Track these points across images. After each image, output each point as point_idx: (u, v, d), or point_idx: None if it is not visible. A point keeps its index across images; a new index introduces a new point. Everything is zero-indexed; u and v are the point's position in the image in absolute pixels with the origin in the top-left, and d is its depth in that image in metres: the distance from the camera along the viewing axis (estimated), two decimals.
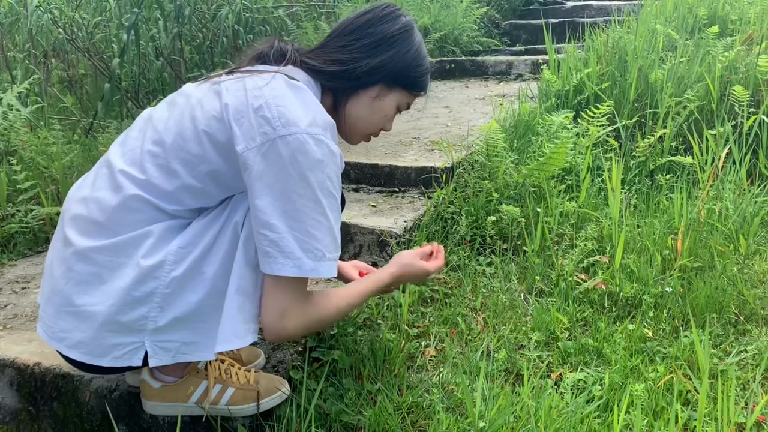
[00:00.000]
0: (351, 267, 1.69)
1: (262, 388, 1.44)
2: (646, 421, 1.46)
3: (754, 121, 2.78)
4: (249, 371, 1.47)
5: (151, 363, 1.26)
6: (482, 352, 1.75)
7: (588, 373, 1.65)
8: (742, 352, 1.73)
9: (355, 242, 2.22)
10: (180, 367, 1.40)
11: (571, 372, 1.68)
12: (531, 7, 6.46)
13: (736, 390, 1.55)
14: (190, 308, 1.25)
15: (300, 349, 1.66)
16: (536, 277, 2.09)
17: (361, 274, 1.67)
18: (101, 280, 1.24)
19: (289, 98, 1.27)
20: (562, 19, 5.59)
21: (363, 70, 1.41)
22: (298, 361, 1.62)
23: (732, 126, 2.81)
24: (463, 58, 5.06)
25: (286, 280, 1.25)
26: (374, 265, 2.19)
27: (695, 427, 1.42)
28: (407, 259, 1.53)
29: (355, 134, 1.50)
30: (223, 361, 1.47)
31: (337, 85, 1.42)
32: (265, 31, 5.47)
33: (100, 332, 1.24)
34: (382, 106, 1.47)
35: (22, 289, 2.13)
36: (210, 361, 1.43)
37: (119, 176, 1.28)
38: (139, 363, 1.26)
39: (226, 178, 1.28)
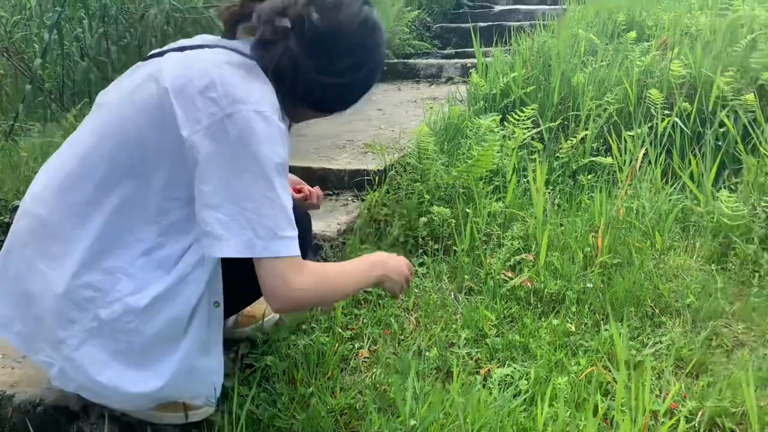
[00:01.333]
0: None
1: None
2: (568, 412, 1.53)
3: (668, 123, 2.94)
4: None
5: None
6: (414, 352, 1.79)
7: (515, 368, 1.72)
8: (657, 343, 1.84)
9: None
10: None
11: (498, 367, 1.74)
12: (461, 11, 6.59)
13: (651, 379, 1.64)
14: None
15: (232, 356, 1.66)
16: (466, 276, 2.16)
17: (295, 190, 1.78)
18: None
19: (238, 76, 1.24)
20: (490, 23, 5.73)
21: (354, 98, 1.42)
22: (230, 368, 1.62)
23: (648, 127, 2.95)
24: (396, 60, 5.12)
25: (272, 261, 1.22)
26: None
27: (614, 416, 1.50)
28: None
29: (296, 118, 1.47)
30: None
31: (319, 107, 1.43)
32: (196, 32, 5.37)
33: None
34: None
35: None
36: None
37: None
38: None
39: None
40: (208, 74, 1.23)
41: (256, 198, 1.20)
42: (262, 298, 1.34)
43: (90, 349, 1.23)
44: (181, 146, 1.21)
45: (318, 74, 1.31)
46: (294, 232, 1.24)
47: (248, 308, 1.72)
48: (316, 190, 1.85)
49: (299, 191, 1.81)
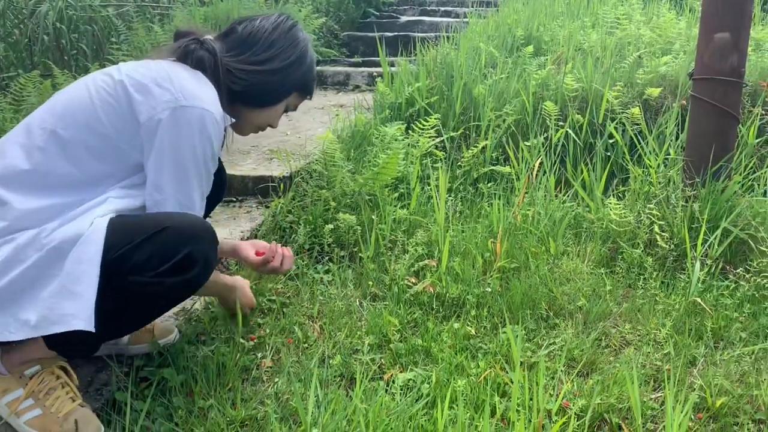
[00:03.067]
0: (249, 246, 1.82)
1: (69, 428, 1.35)
2: (468, 414, 1.57)
3: (561, 134, 3.08)
4: (76, 402, 1.39)
5: None
6: (318, 359, 1.78)
7: (417, 373, 1.75)
8: (551, 344, 1.92)
9: None
10: (16, 361, 1.38)
11: (401, 372, 1.76)
12: (368, 20, 6.65)
13: (545, 379, 1.71)
14: None
15: (126, 369, 1.59)
16: (370, 282, 2.17)
17: (258, 254, 1.80)
18: None
19: (191, 80, 1.45)
20: (396, 33, 5.82)
21: (280, 90, 1.63)
22: (124, 382, 1.55)
23: (544, 138, 3.09)
24: None
25: None
26: None
27: (510, 416, 1.55)
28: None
29: (246, 128, 1.70)
30: (58, 377, 1.40)
31: (247, 100, 1.61)
32: (93, 31, 5.13)
33: None
34: (275, 106, 1.67)
35: None
36: (41, 372, 1.38)
37: None
38: None
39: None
40: (164, 70, 1.44)
41: (189, 185, 1.43)
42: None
43: None
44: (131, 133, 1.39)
45: (239, 63, 1.56)
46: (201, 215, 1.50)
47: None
48: (285, 250, 1.87)
49: (260, 254, 1.83)
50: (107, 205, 1.37)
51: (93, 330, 1.24)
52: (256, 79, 1.58)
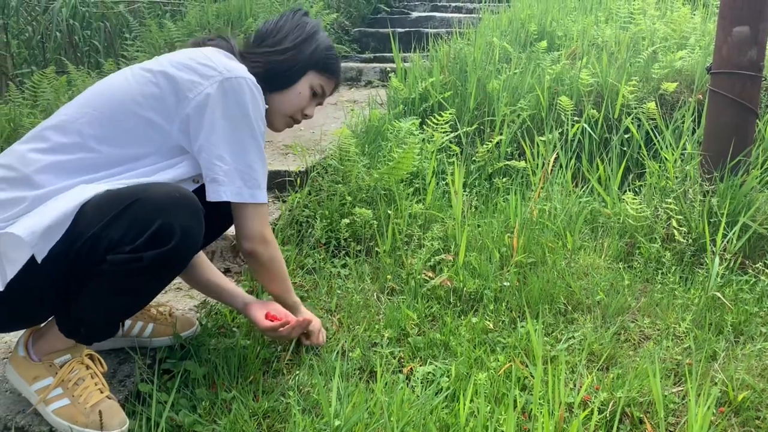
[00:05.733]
0: (260, 307, 1.70)
1: (94, 419, 1.35)
2: (489, 407, 1.57)
3: (577, 129, 3.07)
4: (104, 394, 1.39)
5: None
6: (337, 352, 1.79)
7: (436, 366, 1.75)
8: (570, 338, 1.92)
9: (207, 248, 2.17)
10: (46, 349, 1.40)
11: (420, 365, 1.76)
12: (379, 16, 6.64)
13: (565, 373, 1.71)
14: None
15: (149, 361, 1.60)
16: (388, 276, 2.17)
17: (267, 316, 1.68)
18: None
19: (226, 58, 1.53)
20: (408, 29, 5.81)
21: (294, 67, 1.64)
22: (147, 374, 1.56)
23: (559, 133, 3.08)
24: None
25: (255, 207, 1.52)
26: (227, 271, 2.16)
27: (532, 409, 1.55)
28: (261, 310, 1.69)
29: (278, 119, 1.70)
30: (88, 367, 1.41)
31: (270, 83, 1.62)
32: (105, 27, 5.16)
33: None
34: (297, 87, 1.67)
35: None
36: (71, 361, 1.40)
37: None
38: None
39: None
40: (200, 52, 1.51)
41: (248, 154, 1.47)
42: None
43: None
44: (174, 113, 1.44)
45: (253, 50, 1.64)
46: (266, 184, 1.56)
47: (164, 315, 1.69)
48: (309, 320, 1.77)
49: (271, 317, 1.70)
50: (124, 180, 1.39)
51: (31, 251, 1.25)
52: (269, 60, 1.62)
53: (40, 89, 3.40)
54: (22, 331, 1.46)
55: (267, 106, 1.59)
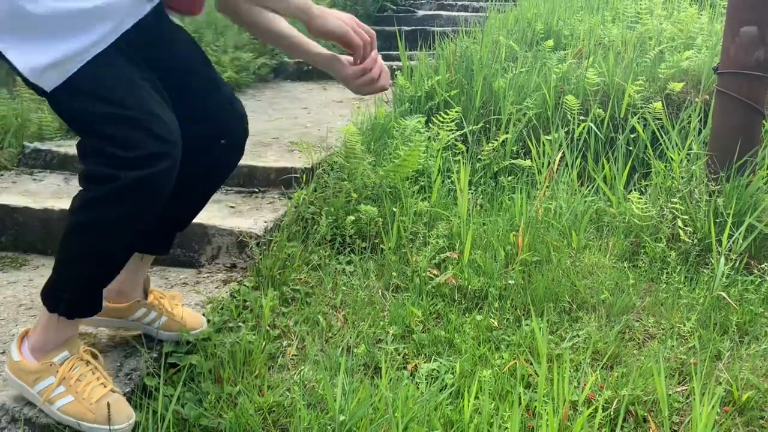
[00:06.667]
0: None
1: (101, 414, 1.35)
2: (493, 404, 1.58)
3: (583, 128, 3.07)
4: (107, 388, 1.39)
5: None
6: (342, 348, 1.80)
7: (441, 363, 1.76)
8: (575, 337, 1.92)
9: (213, 244, 2.18)
10: (40, 348, 1.38)
11: (425, 362, 1.77)
12: (384, 14, 6.64)
13: (570, 371, 1.72)
14: None
15: (155, 355, 1.61)
16: (393, 273, 2.18)
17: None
18: None
19: None
20: (414, 27, 5.80)
21: None
22: (153, 367, 1.57)
23: (565, 132, 3.08)
24: None
25: None
26: (233, 266, 2.16)
27: (536, 407, 1.56)
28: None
29: None
30: (88, 362, 1.40)
31: None
32: None
33: None
34: None
35: None
36: (70, 358, 1.38)
37: None
38: None
39: None
40: None
41: None
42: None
43: None
44: None
45: None
46: None
47: (177, 313, 1.68)
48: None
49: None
50: None
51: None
52: None
53: None
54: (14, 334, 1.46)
55: None
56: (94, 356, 1.44)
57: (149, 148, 1.25)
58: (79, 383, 1.37)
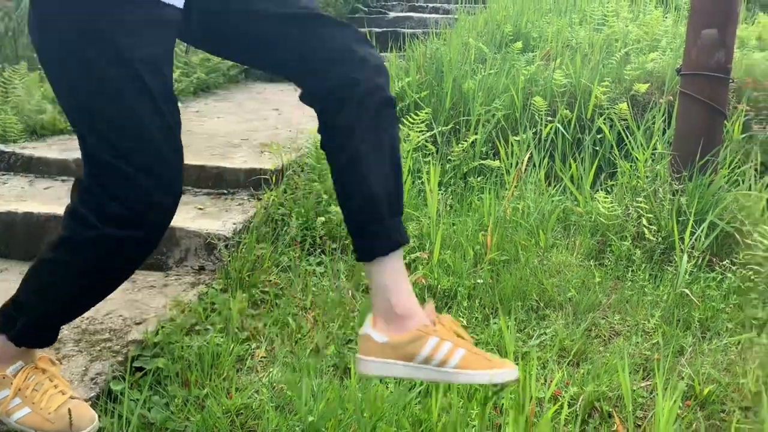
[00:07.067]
0: None
1: (61, 424, 1.31)
2: (461, 403, 1.59)
3: (551, 129, 3.11)
4: (66, 395, 1.34)
5: None
6: (312, 350, 1.79)
7: None
8: (542, 334, 1.94)
9: (181, 246, 2.16)
10: None
11: None
12: (356, 16, 6.64)
13: (537, 369, 1.74)
14: None
15: (121, 359, 1.59)
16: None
17: None
18: None
19: None
20: (385, 29, 5.83)
21: None
22: (119, 371, 1.56)
23: (533, 133, 3.12)
24: None
25: None
26: (201, 269, 2.15)
27: (503, 404, 1.57)
28: None
29: None
30: (44, 371, 1.35)
31: None
32: None
33: None
34: None
35: None
36: (24, 368, 1.33)
37: None
38: None
39: None
40: None
41: None
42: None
43: None
44: None
45: None
46: None
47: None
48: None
49: None
50: None
51: None
52: None
53: (11, 86, 3.35)
54: None
55: None
56: (53, 363, 1.41)
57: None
58: (35, 393, 1.33)
